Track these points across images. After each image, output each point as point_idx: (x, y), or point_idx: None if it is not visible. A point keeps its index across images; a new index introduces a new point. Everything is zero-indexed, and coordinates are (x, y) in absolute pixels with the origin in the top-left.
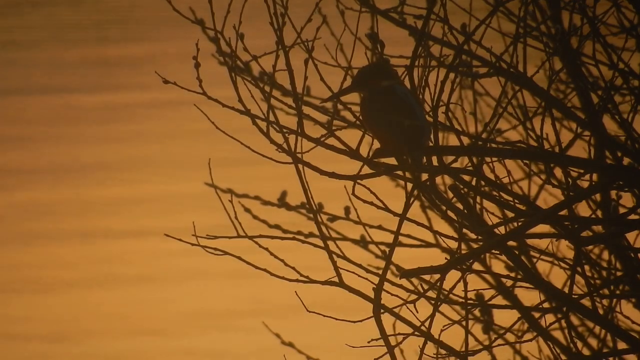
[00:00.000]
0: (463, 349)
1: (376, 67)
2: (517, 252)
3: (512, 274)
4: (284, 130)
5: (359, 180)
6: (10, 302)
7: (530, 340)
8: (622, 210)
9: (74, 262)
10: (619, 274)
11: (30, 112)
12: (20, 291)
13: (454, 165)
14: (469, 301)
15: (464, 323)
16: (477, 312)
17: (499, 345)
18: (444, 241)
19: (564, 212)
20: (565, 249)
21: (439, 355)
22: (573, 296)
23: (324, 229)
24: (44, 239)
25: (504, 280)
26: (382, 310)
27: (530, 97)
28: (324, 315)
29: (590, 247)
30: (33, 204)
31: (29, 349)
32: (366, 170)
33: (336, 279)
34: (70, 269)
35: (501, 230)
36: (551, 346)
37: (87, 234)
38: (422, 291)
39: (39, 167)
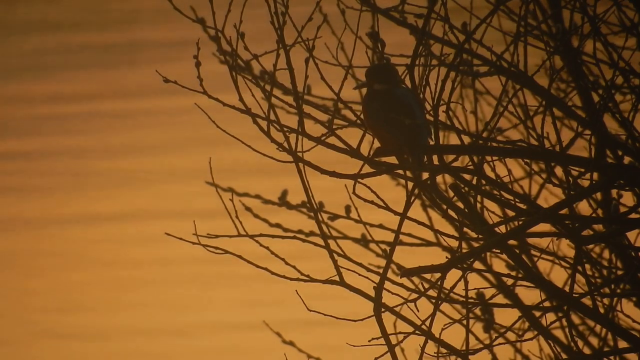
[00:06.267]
0: (464, 348)
1: (376, 69)
2: (517, 251)
3: (513, 273)
4: (285, 129)
5: (359, 179)
6: None
7: (531, 339)
8: (622, 209)
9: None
10: (619, 272)
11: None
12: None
13: (455, 164)
14: (469, 300)
15: (464, 322)
16: (477, 311)
17: (499, 344)
18: (444, 240)
19: (564, 211)
20: (566, 247)
21: (440, 354)
22: (574, 295)
23: (324, 227)
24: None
25: (504, 279)
26: (382, 309)
27: (531, 96)
28: (325, 314)
29: (591, 246)
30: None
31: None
32: (367, 169)
33: (337, 278)
34: (70, 270)
35: (502, 229)
36: (552, 345)
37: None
38: (422, 290)
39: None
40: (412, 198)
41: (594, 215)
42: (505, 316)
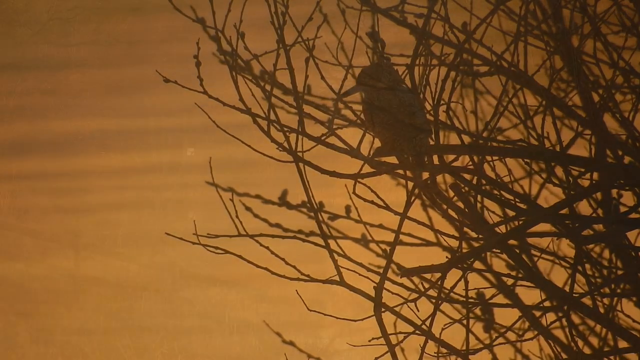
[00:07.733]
0: (464, 348)
1: (376, 68)
2: (518, 251)
3: (513, 273)
4: (285, 129)
5: (359, 179)
6: None
7: (531, 339)
8: (623, 209)
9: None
10: (619, 272)
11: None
12: None
13: (455, 164)
14: (469, 300)
15: (464, 322)
16: (478, 311)
17: (499, 344)
18: (444, 240)
19: (564, 211)
20: (566, 247)
21: (440, 354)
22: (574, 295)
23: (324, 227)
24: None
25: (504, 279)
26: (382, 309)
27: (531, 95)
28: (325, 314)
29: (591, 245)
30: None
31: None
32: (367, 169)
33: (337, 278)
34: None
35: (502, 229)
36: (552, 345)
37: (85, 229)
38: (423, 290)
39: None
40: (412, 198)
41: (594, 215)
42: (505, 316)
